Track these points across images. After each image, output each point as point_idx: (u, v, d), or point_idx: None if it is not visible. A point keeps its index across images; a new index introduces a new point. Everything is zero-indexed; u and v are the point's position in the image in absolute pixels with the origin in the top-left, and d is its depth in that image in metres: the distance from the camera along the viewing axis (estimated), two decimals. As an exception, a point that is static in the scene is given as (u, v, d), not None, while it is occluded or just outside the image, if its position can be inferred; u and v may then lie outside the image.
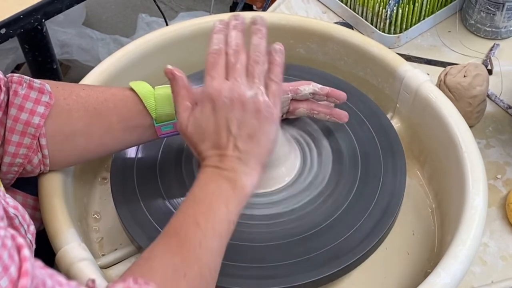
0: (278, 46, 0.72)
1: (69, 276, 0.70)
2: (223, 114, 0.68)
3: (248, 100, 0.68)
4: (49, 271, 0.50)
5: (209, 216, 0.64)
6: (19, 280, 0.45)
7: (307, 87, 0.85)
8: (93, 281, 0.57)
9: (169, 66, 0.72)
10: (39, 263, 0.50)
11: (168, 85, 0.80)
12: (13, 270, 0.45)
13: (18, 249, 0.47)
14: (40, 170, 0.78)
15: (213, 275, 0.64)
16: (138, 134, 0.79)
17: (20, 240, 0.48)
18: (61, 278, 0.51)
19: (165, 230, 0.65)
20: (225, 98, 0.68)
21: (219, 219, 0.65)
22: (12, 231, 0.48)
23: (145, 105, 0.77)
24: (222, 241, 0.65)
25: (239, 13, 0.74)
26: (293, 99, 0.86)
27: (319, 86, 0.85)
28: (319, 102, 0.88)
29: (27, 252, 0.47)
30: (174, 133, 0.80)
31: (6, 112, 0.73)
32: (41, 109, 0.74)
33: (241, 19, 0.73)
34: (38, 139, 0.74)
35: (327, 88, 0.86)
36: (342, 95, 0.86)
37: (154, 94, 0.78)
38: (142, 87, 0.78)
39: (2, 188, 0.62)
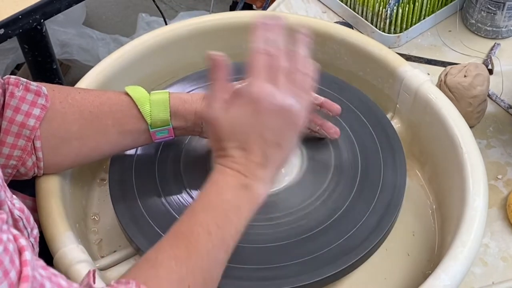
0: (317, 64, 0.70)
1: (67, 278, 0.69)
2: (261, 119, 0.65)
3: (289, 110, 0.66)
4: (51, 272, 0.50)
5: (221, 226, 0.63)
6: (19, 285, 0.45)
7: None
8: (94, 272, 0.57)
9: (213, 52, 0.68)
10: (41, 263, 0.50)
11: (164, 91, 0.80)
12: (13, 274, 0.45)
13: (20, 252, 0.47)
14: (34, 173, 0.78)
15: (214, 285, 0.64)
16: (133, 138, 0.79)
17: (22, 241, 0.48)
18: (62, 281, 0.50)
19: (174, 230, 0.63)
20: (268, 104, 0.65)
21: (230, 230, 0.64)
22: (15, 232, 0.48)
23: (140, 110, 0.78)
24: (227, 253, 0.64)
25: (279, 14, 0.69)
26: None
27: (314, 95, 0.81)
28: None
29: (28, 255, 0.47)
30: (169, 138, 0.80)
31: (1, 114, 0.73)
32: (36, 111, 0.74)
33: (281, 20, 0.69)
34: (33, 141, 0.74)
35: (322, 98, 0.84)
36: (336, 108, 0.84)
37: (149, 99, 0.78)
38: (137, 92, 0.78)
39: (8, 190, 0.61)
